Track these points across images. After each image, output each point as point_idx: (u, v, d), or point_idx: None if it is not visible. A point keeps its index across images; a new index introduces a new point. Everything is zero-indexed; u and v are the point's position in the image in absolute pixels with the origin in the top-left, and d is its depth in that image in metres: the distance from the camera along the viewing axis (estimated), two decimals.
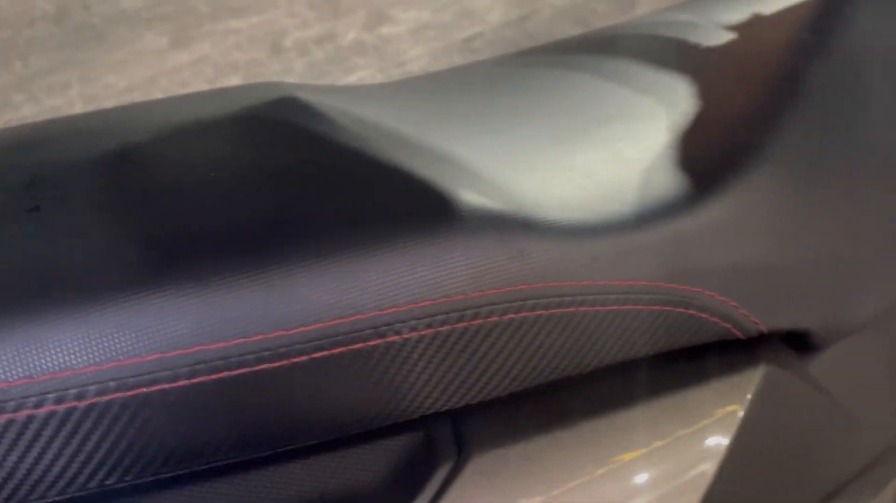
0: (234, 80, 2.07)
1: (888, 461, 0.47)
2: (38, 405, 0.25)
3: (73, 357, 0.25)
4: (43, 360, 0.25)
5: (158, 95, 2.06)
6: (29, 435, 0.25)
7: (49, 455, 0.26)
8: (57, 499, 0.28)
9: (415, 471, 0.30)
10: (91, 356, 0.25)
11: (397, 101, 0.43)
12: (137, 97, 2.07)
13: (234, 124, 0.36)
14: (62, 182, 0.32)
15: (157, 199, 0.31)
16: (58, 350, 0.25)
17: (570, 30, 2.04)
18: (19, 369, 0.25)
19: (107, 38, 2.33)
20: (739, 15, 0.49)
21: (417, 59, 2.04)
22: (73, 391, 0.25)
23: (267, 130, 0.35)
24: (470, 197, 0.32)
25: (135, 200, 0.31)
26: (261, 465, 0.30)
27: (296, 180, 0.32)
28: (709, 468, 0.34)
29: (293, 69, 2.08)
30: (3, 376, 0.25)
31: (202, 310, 0.26)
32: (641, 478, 0.33)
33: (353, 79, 2.00)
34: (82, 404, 0.25)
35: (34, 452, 0.26)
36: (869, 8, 0.46)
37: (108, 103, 2.09)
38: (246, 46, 2.21)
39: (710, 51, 0.46)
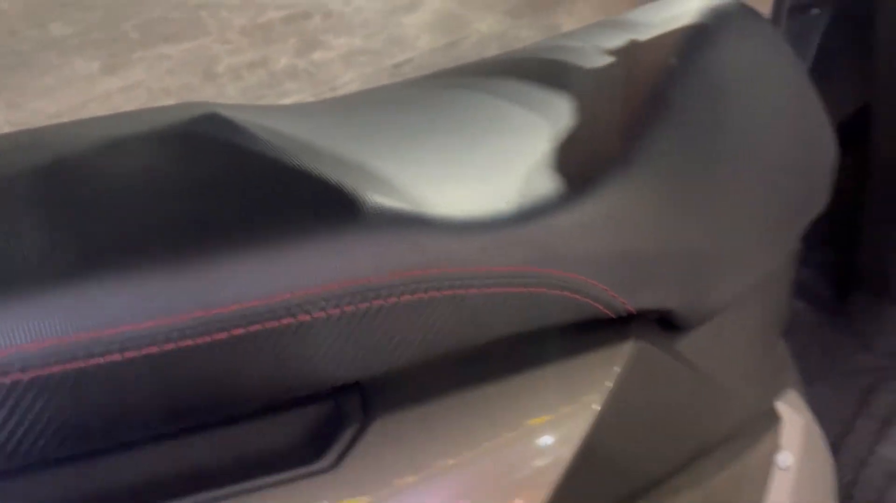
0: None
1: (757, 424, 0.54)
2: None
3: (18, 335, 0.29)
4: None
5: None
6: None
7: None
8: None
9: (325, 434, 0.35)
10: (35, 333, 0.29)
11: (315, 117, 0.48)
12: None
13: (160, 139, 0.40)
14: None
15: (87, 205, 0.35)
16: (4, 329, 0.29)
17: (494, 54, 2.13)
18: None
19: (35, 63, 2.31)
20: (619, 41, 0.56)
21: (349, 84, 2.09)
22: (17, 364, 0.29)
23: (191, 144, 0.39)
24: (375, 197, 0.37)
25: (66, 205, 0.35)
26: (188, 434, 0.34)
27: (218, 185, 0.36)
28: (581, 431, 0.39)
29: (226, 94, 2.10)
30: None
31: (131, 293, 0.30)
32: (524, 442, 0.38)
33: (286, 102, 2.04)
34: (26, 377, 0.29)
35: None
36: (725, 37, 0.53)
37: None
38: (178, 71, 2.22)
39: (592, 72, 0.52)
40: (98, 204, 0.35)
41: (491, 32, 2.23)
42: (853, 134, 0.95)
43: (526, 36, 2.19)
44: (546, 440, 0.37)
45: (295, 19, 2.42)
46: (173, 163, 0.37)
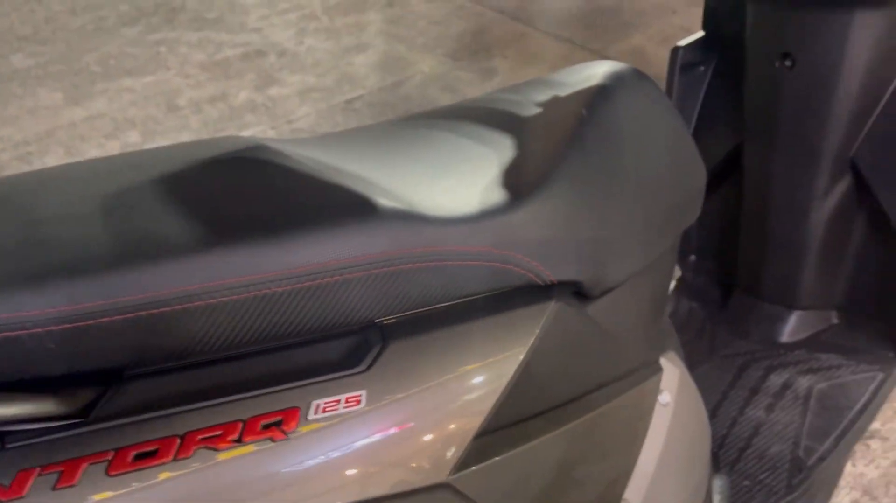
0: (133, 135, 2.22)
1: (644, 371, 0.74)
2: None
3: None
4: None
5: (56, 148, 2.17)
6: None
7: None
8: None
9: (360, 352, 0.53)
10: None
11: (333, 147, 0.66)
12: (34, 150, 2.17)
13: (229, 163, 0.57)
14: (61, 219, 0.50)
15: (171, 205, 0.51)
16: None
17: (437, 93, 2.34)
18: None
19: None
20: (545, 96, 0.76)
21: (305, 117, 2.26)
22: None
23: (238, 167, 0.57)
24: (387, 201, 0.55)
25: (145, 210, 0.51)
26: (273, 351, 0.51)
27: (282, 193, 0.54)
28: (513, 368, 0.58)
29: (189, 125, 2.25)
30: None
31: (247, 255, 0.48)
32: (476, 370, 0.57)
33: (246, 134, 2.20)
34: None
35: None
36: (620, 93, 0.74)
37: (5, 156, 2.17)
38: (141, 103, 2.36)
39: (527, 119, 0.73)
40: (183, 206, 0.52)
41: (433, 73, 2.45)
42: (732, 165, 1.19)
43: (466, 77, 2.41)
44: (493, 369, 0.56)
45: (251, 57, 2.59)
46: (240, 178, 0.55)
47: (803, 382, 1.03)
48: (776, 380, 1.03)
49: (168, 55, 2.63)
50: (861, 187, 1.02)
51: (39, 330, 0.42)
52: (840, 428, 0.96)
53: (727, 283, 1.20)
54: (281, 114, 2.29)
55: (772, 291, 1.13)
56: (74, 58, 2.63)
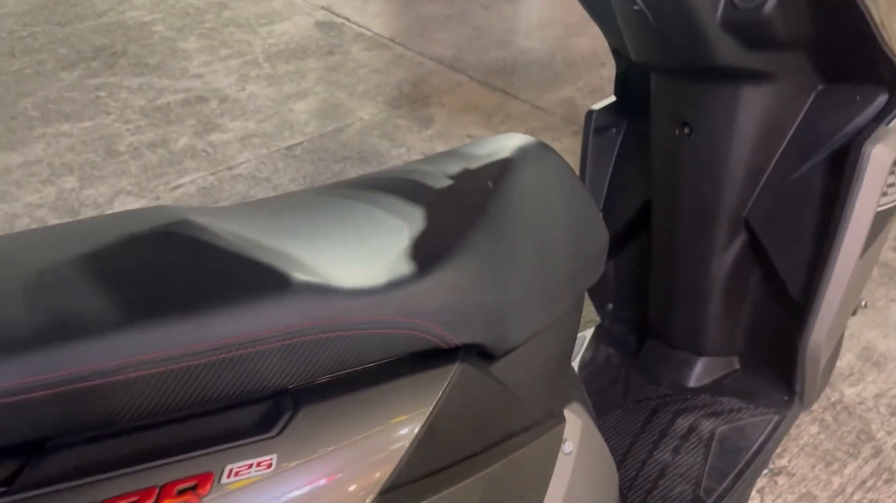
0: (70, 181, 2.22)
1: (548, 422, 0.79)
2: None
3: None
4: None
5: None
6: None
7: None
8: None
9: (271, 418, 0.57)
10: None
11: (254, 218, 0.71)
12: None
13: (148, 239, 0.61)
14: None
15: (84, 284, 0.55)
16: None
17: (376, 141, 2.41)
18: None
19: None
20: (456, 168, 0.83)
21: (246, 163, 2.30)
22: None
23: (173, 241, 0.61)
24: (300, 275, 0.60)
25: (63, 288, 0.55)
26: (182, 420, 0.55)
27: (196, 268, 0.58)
28: (417, 427, 0.63)
29: (128, 171, 2.26)
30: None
31: (149, 332, 0.52)
32: (385, 431, 0.62)
33: (186, 180, 2.22)
34: None
35: None
36: (525, 165, 0.81)
37: None
38: (79, 149, 2.37)
39: (437, 190, 0.79)
40: (96, 283, 0.56)
41: (373, 121, 2.52)
42: (644, 220, 1.28)
43: (403, 125, 2.48)
44: (400, 428, 0.61)
45: (192, 102, 2.62)
46: (162, 254, 0.60)
47: (707, 425, 1.10)
48: (683, 423, 1.11)
49: (108, 100, 2.64)
50: (755, 243, 1.11)
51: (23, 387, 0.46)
52: (738, 468, 1.04)
53: (641, 331, 1.28)
54: (221, 160, 2.32)
55: (679, 339, 1.21)
56: (11, 102, 2.62)
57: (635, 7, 0.97)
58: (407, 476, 0.62)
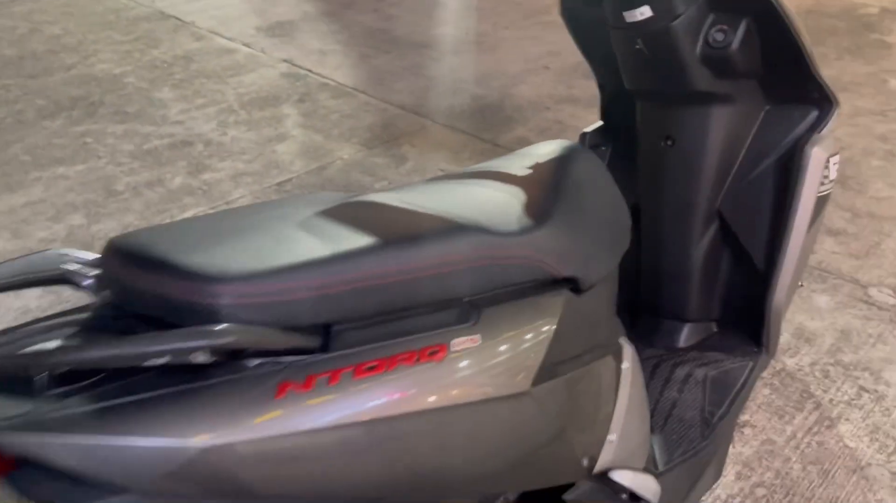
0: (77, 218, 2.36)
1: (615, 345, 1.06)
2: None
3: None
4: None
5: (2, 232, 2.26)
6: None
7: None
8: None
9: (468, 316, 0.80)
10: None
11: (413, 194, 0.96)
12: None
13: (340, 206, 0.86)
14: None
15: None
16: None
17: (359, 176, 2.66)
18: None
19: None
20: (531, 161, 1.11)
21: (242, 199, 2.50)
22: None
23: (364, 208, 0.86)
24: (463, 223, 0.86)
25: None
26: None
27: (379, 228, 0.82)
28: (554, 324, 0.89)
29: (132, 208, 2.42)
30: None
31: None
32: (532, 328, 0.87)
33: (188, 214, 2.40)
34: None
35: None
36: (580, 160, 1.10)
37: None
38: (79, 189, 2.51)
39: (522, 177, 1.06)
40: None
41: (352, 159, 2.77)
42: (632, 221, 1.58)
43: (380, 162, 2.75)
44: (545, 325, 0.87)
45: (179, 146, 2.81)
46: (380, 214, 0.84)
47: (699, 372, 1.39)
48: (680, 372, 1.40)
49: (96, 145, 2.79)
50: (726, 229, 1.43)
51: (302, 296, 0.70)
52: (729, 398, 1.33)
53: (634, 307, 1.57)
54: (217, 195, 2.51)
55: (668, 310, 1.51)
56: (0, 148, 2.73)
57: (636, 46, 1.29)
58: (550, 359, 0.87)
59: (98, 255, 0.80)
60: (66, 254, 0.80)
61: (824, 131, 1.33)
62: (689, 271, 1.48)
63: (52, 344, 0.68)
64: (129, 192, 2.51)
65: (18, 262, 0.78)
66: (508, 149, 2.86)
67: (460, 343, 0.77)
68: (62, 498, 0.60)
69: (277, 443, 0.65)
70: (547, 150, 1.14)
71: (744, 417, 1.72)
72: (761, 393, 1.80)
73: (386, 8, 4.24)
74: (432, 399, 0.73)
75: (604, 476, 1.00)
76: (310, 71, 3.47)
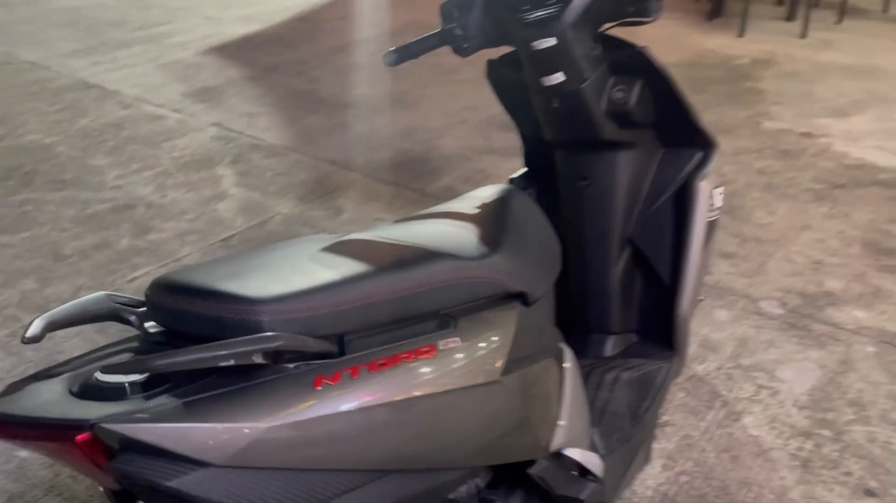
0: (28, 283, 2.43)
1: (554, 346, 1.29)
2: None
3: None
4: None
5: None
6: None
7: None
8: None
9: (448, 324, 1.00)
10: None
11: (386, 232, 1.16)
12: None
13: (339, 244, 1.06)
14: None
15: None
16: None
17: (299, 228, 2.83)
18: None
19: None
20: (478, 202, 1.34)
21: (190, 256, 2.63)
22: None
23: (356, 244, 1.06)
24: (435, 250, 1.07)
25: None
26: None
27: (381, 262, 1.03)
28: (510, 338, 1.10)
29: (82, 270, 2.52)
30: None
31: None
32: (498, 332, 1.09)
33: (139, 273, 2.51)
34: None
35: None
36: (518, 200, 1.33)
37: None
38: (26, 256, 2.58)
39: (472, 214, 1.29)
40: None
41: (291, 213, 2.94)
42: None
43: (318, 215, 2.93)
44: (505, 328, 1.08)
45: (120, 210, 2.92)
46: (377, 247, 1.04)
47: (625, 376, 1.63)
48: (609, 376, 1.63)
49: (36, 213, 2.87)
50: (637, 253, 1.70)
51: (322, 312, 0.90)
52: (651, 394, 1.57)
53: (563, 323, 1.82)
54: (166, 254, 2.64)
55: (594, 325, 1.76)
56: None
57: (554, 105, 1.55)
58: (512, 355, 1.08)
59: (135, 297, 0.98)
60: (112, 296, 0.97)
61: (708, 168, 1.62)
62: (609, 291, 1.73)
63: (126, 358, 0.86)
64: (76, 255, 2.60)
65: (73, 304, 0.94)
66: (437, 197, 3.10)
67: (445, 344, 0.98)
68: (157, 474, 0.76)
69: (317, 423, 0.84)
70: (488, 193, 1.38)
71: (664, 417, 1.98)
72: (677, 396, 2.06)
73: (309, 71, 4.47)
74: (428, 386, 0.93)
75: (558, 455, 1.21)
76: (241, 132, 3.64)
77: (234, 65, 4.57)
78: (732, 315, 2.38)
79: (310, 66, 4.54)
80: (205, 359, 0.78)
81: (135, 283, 2.47)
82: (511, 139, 3.55)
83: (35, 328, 0.88)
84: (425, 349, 0.95)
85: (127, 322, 0.95)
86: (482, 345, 1.03)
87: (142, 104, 3.96)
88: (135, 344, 0.93)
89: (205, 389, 0.82)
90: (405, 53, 1.58)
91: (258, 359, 0.82)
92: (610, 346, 1.75)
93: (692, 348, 2.24)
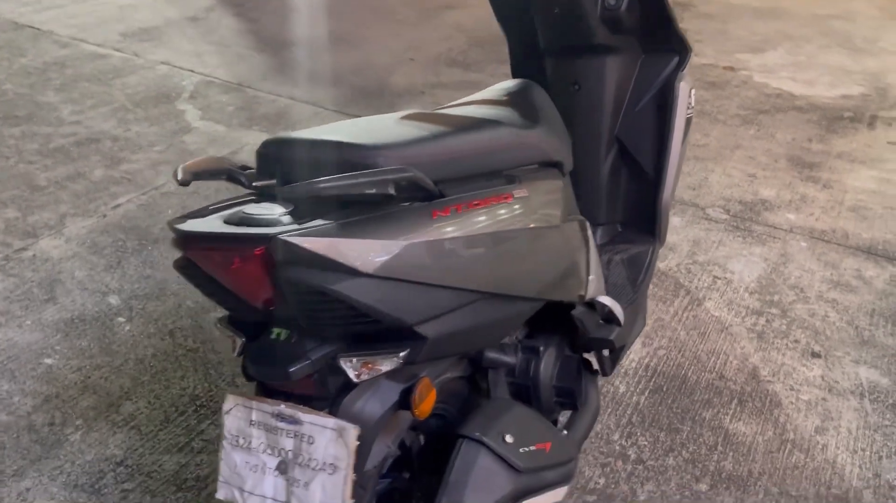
0: (10, 212, 2.42)
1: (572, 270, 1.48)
2: None
3: None
4: None
5: None
6: None
7: None
8: None
9: (515, 179, 1.18)
10: None
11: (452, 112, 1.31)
12: None
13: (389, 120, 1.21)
14: None
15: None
16: None
17: None
18: None
19: None
20: (501, 92, 1.50)
21: (168, 184, 2.66)
22: None
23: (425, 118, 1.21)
24: (496, 119, 1.23)
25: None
26: None
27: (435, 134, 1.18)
28: (562, 193, 1.28)
29: (62, 199, 2.51)
30: None
31: None
32: (560, 186, 1.27)
33: (122, 200, 2.54)
34: None
35: None
36: (533, 89, 1.50)
37: None
38: (0, 187, 2.56)
39: (505, 100, 1.45)
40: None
41: (257, 143, 3.00)
42: None
43: None
44: (562, 185, 1.26)
45: (85, 143, 2.90)
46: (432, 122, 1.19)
47: (617, 257, 1.85)
48: (603, 258, 1.85)
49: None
50: (623, 150, 1.90)
51: (424, 160, 1.05)
52: (643, 270, 1.79)
53: None
54: (144, 183, 2.66)
55: (585, 217, 1.97)
56: None
57: (555, 10, 1.72)
58: (563, 209, 1.26)
59: (246, 165, 1.09)
60: (226, 158, 1.08)
61: (685, 70, 1.83)
62: (599, 185, 1.94)
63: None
64: (52, 185, 2.60)
65: (201, 160, 1.06)
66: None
67: (518, 193, 1.15)
68: (324, 279, 0.90)
69: (435, 244, 0.99)
70: (509, 85, 1.54)
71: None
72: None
73: (247, 12, 4.45)
74: (512, 223, 1.11)
75: (590, 303, 1.41)
76: (192, 71, 3.63)
77: (170, 6, 4.49)
78: (685, 221, 2.65)
79: (247, 8, 4.51)
80: (354, 185, 0.92)
81: (120, 210, 2.50)
82: (460, 75, 3.71)
83: (183, 175, 0.99)
84: (505, 195, 1.12)
85: (238, 181, 1.07)
86: (543, 197, 1.20)
87: (80, 43, 3.87)
88: (248, 199, 1.05)
89: (347, 216, 0.95)
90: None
91: (391, 190, 0.96)
92: (598, 236, 1.96)
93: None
